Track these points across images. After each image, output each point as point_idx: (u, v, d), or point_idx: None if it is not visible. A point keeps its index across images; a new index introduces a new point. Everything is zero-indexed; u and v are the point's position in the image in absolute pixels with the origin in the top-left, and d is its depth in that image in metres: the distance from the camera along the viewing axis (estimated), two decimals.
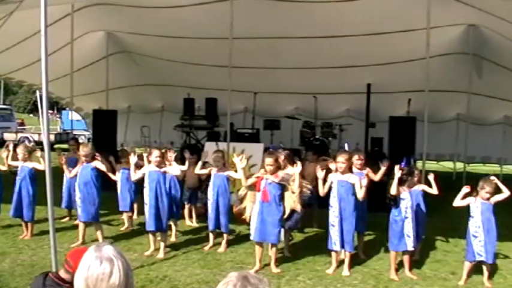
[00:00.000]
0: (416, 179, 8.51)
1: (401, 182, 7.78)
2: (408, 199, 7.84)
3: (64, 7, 12.94)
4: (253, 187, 8.40)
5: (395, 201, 7.83)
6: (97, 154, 9.36)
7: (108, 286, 2.23)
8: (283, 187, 8.05)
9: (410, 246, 7.78)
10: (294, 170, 8.13)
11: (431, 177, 8.56)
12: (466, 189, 7.68)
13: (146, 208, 8.73)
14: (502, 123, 19.01)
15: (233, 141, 13.51)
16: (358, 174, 8.37)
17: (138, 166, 9.01)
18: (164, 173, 8.86)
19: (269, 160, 7.98)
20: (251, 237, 8.14)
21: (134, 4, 13.26)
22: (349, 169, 8.19)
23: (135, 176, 8.94)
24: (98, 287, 2.24)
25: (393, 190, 7.73)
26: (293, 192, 8.09)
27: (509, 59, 13.99)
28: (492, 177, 7.84)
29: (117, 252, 2.33)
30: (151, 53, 17.36)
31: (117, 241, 9.41)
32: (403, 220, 7.78)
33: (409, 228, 7.76)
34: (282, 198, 8.05)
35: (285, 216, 8.19)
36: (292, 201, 8.15)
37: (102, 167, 9.33)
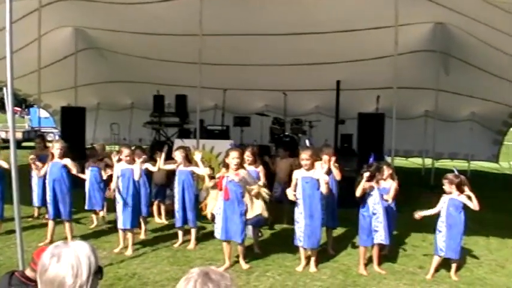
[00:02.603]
0: (388, 173, 8.54)
1: (369, 178, 7.86)
2: (376, 195, 7.89)
3: (31, 2, 12.75)
4: (215, 186, 8.40)
5: (362, 199, 7.92)
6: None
7: (46, 279, 2.22)
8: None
9: (378, 240, 7.86)
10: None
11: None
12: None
13: (119, 206, 8.70)
14: (469, 120, 19.28)
15: (203, 138, 13.49)
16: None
17: (107, 165, 8.99)
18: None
19: (234, 154, 7.98)
20: (217, 236, 8.08)
21: (103, 0, 13.13)
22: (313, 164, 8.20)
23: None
24: (41, 278, 2.23)
25: (358, 192, 7.82)
26: (256, 197, 8.09)
27: (476, 56, 14.20)
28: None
29: (72, 254, 2.28)
30: (120, 50, 17.21)
31: (86, 239, 9.29)
32: (371, 216, 7.85)
33: (376, 223, 7.83)
34: (243, 195, 8.01)
35: (250, 217, 8.18)
36: (260, 206, 8.13)
37: (72, 166, 9.17)
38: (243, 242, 8.10)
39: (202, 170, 9.07)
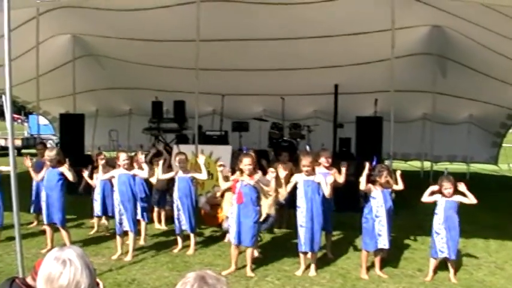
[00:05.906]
0: (388, 178, 8.52)
1: (372, 181, 7.88)
2: (380, 198, 7.90)
3: (29, 10, 12.78)
4: (229, 189, 8.45)
5: (366, 197, 7.92)
6: (66, 164, 9.18)
7: (57, 286, 2.24)
8: (258, 190, 8.07)
9: (381, 245, 7.87)
10: (271, 175, 8.17)
11: (398, 173, 8.59)
12: (433, 187, 7.83)
13: (117, 211, 8.77)
14: (467, 122, 19.30)
15: (201, 144, 13.49)
16: (324, 174, 8.43)
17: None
18: (134, 175, 8.87)
19: (247, 160, 8.00)
20: (231, 241, 8.08)
21: (100, 7, 13.17)
22: (313, 169, 8.23)
23: (103, 176, 8.99)
24: (49, 285, 2.26)
25: (362, 185, 7.84)
26: (266, 196, 8.13)
27: (472, 58, 14.25)
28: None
29: (78, 257, 2.32)
30: (118, 56, 17.22)
31: (85, 245, 9.33)
32: (374, 219, 7.86)
33: (379, 227, 7.84)
34: (258, 200, 8.07)
35: (261, 219, 8.22)
36: (267, 205, 8.19)
37: (68, 174, 9.00)
38: (253, 246, 8.10)
39: (203, 175, 9.15)
